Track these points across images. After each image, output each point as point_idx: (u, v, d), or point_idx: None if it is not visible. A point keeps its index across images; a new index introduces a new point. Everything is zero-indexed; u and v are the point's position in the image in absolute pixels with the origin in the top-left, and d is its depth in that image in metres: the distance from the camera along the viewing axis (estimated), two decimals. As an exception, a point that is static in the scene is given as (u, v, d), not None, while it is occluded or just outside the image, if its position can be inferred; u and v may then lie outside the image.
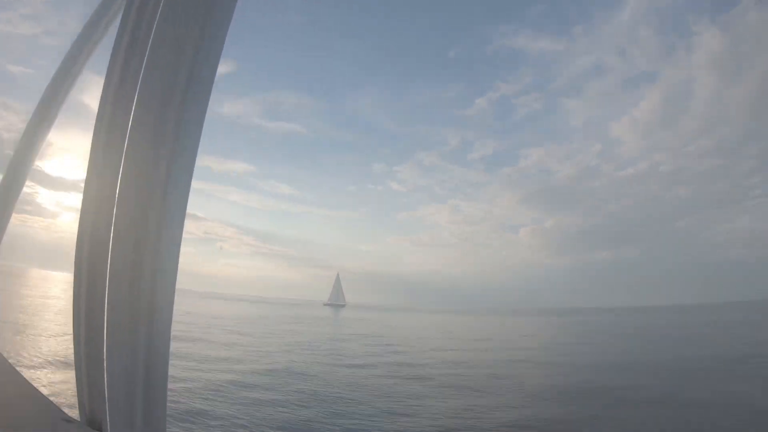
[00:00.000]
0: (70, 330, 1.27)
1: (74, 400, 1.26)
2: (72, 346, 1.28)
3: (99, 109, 1.26)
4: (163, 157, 1.15)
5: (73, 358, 1.27)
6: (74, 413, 1.29)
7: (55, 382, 10.16)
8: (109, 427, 1.18)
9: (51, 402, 1.40)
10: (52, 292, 46.03)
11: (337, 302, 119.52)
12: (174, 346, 15.82)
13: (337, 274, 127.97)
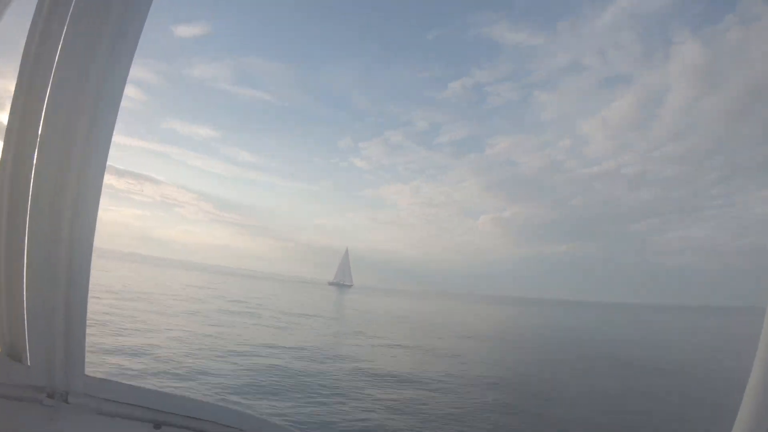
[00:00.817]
0: None
1: None
2: None
3: (24, 51, 1.16)
4: (87, 103, 1.11)
5: None
6: None
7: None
8: (29, 359, 1.19)
9: None
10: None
11: (343, 282, 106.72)
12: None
13: (346, 251, 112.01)
